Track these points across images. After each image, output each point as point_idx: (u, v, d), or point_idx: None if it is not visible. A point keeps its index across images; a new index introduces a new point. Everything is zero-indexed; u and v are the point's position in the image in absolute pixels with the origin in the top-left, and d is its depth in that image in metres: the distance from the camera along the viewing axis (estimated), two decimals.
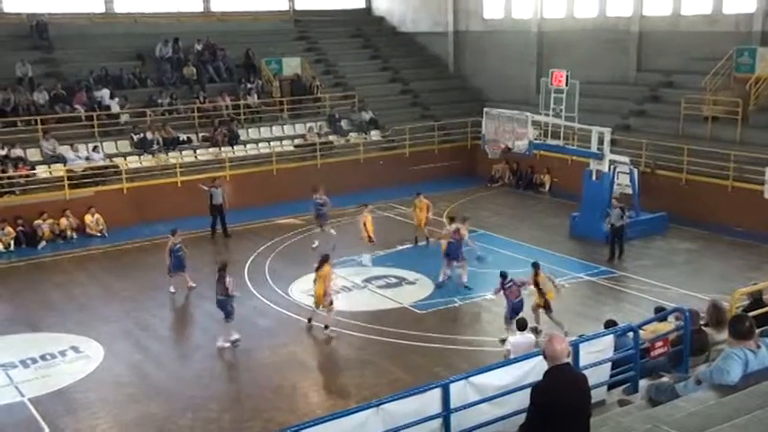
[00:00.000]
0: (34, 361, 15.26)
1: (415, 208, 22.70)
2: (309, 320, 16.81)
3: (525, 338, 12.77)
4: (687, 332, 8.78)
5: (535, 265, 15.79)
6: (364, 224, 21.04)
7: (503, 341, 14.69)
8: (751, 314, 8.41)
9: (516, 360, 8.16)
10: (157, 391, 14.19)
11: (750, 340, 7.07)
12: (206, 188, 23.58)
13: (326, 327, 16.38)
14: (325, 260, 16.49)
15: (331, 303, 16.40)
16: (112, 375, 14.89)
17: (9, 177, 23.86)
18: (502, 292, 15.51)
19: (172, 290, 18.98)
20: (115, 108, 27.77)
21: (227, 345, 15.70)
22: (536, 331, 14.74)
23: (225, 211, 23.63)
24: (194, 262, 19.97)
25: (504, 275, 15.57)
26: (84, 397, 13.92)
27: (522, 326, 13.10)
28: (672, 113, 26.77)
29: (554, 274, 16.68)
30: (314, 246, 21.82)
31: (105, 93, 27.96)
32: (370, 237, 21.01)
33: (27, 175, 24.40)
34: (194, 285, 19.11)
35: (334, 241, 21.58)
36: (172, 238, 18.94)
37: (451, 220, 20.01)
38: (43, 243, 23.16)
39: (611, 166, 22.84)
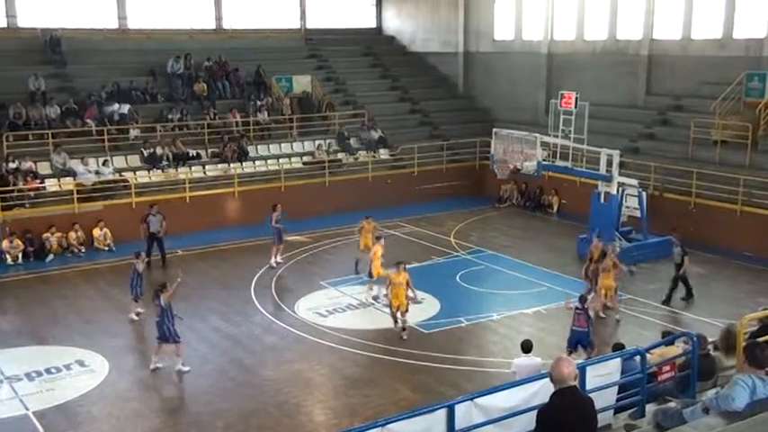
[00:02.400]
0: (39, 374, 15.26)
1: (361, 231, 21.31)
2: (403, 329, 17.09)
3: (530, 361, 12.70)
4: (695, 357, 8.72)
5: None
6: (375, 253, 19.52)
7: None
8: (761, 340, 8.36)
9: (522, 382, 8.12)
10: (162, 406, 14.17)
11: (762, 369, 7.03)
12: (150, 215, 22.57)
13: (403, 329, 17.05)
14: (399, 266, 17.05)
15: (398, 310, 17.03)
16: (117, 390, 14.87)
17: (19, 190, 23.98)
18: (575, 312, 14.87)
19: (137, 314, 18.12)
20: (124, 109, 28.06)
21: (185, 369, 15.33)
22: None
23: (162, 239, 22.55)
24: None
25: (582, 299, 14.98)
26: (88, 411, 13.89)
27: (527, 348, 13.03)
28: (681, 137, 26.76)
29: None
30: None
31: (116, 107, 28.15)
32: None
33: (37, 189, 24.53)
34: (137, 319, 18.10)
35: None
36: (137, 262, 17.96)
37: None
38: (51, 256, 23.24)
39: (620, 189, 22.83)
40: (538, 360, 12.82)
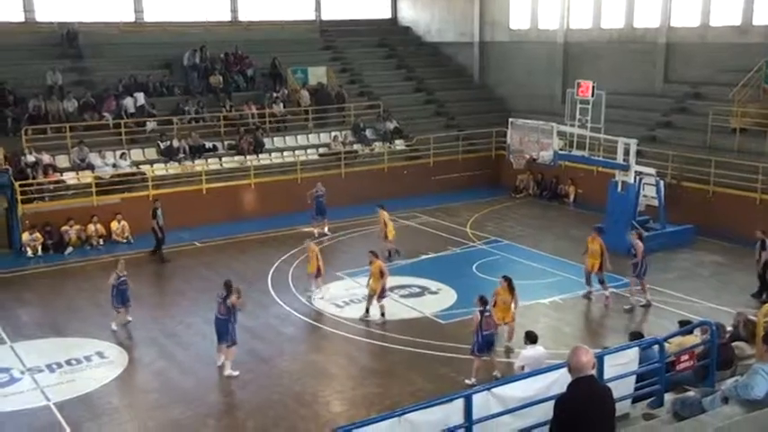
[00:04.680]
0: (60, 365, 15.42)
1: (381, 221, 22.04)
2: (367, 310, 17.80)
3: (536, 351, 12.70)
4: (714, 346, 8.67)
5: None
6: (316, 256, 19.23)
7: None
8: None
9: (539, 372, 8.11)
10: (181, 397, 14.26)
11: None
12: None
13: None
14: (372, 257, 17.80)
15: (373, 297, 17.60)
16: (136, 381, 15.03)
17: (38, 184, 24.18)
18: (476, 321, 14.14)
19: (114, 327, 17.07)
20: (141, 102, 28.25)
21: (234, 373, 14.86)
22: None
23: (164, 232, 22.53)
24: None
25: (484, 302, 14.31)
26: (108, 402, 14.04)
27: (533, 339, 13.01)
28: (699, 125, 26.53)
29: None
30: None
31: (130, 101, 28.26)
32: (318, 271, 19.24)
33: (56, 182, 24.71)
34: (131, 319, 17.47)
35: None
36: (116, 271, 17.18)
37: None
38: (70, 249, 23.44)
39: (637, 178, 22.68)
40: (541, 349, 12.83)
